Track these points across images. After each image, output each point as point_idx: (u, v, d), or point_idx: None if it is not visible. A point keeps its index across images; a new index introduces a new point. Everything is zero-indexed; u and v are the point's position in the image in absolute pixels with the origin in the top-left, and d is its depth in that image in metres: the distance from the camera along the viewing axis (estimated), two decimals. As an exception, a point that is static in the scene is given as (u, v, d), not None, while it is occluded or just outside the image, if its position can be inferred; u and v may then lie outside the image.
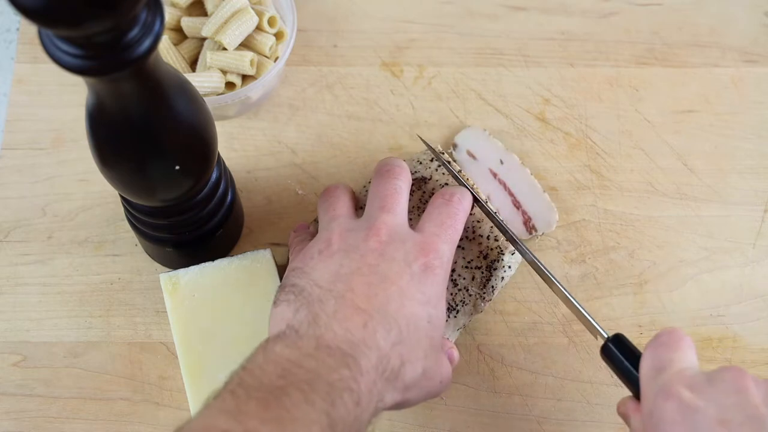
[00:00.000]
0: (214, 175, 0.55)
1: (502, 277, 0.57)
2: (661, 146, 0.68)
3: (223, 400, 0.39)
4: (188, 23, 0.66)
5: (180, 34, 0.67)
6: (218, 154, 0.56)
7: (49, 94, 0.67)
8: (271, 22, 0.66)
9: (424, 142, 0.62)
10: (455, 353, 0.52)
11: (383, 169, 0.54)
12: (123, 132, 0.44)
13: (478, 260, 0.56)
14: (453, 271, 0.56)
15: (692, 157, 0.67)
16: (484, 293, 0.56)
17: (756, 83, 0.70)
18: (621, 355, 0.48)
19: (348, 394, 0.40)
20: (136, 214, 0.56)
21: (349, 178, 0.65)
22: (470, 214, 0.57)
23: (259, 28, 0.66)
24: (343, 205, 0.53)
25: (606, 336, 0.50)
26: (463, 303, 0.56)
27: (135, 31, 0.36)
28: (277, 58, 0.66)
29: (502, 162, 0.64)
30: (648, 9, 0.73)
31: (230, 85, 0.65)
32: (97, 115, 0.44)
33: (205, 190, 0.54)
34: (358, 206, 0.57)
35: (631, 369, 0.48)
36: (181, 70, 0.63)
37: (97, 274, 0.62)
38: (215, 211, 0.57)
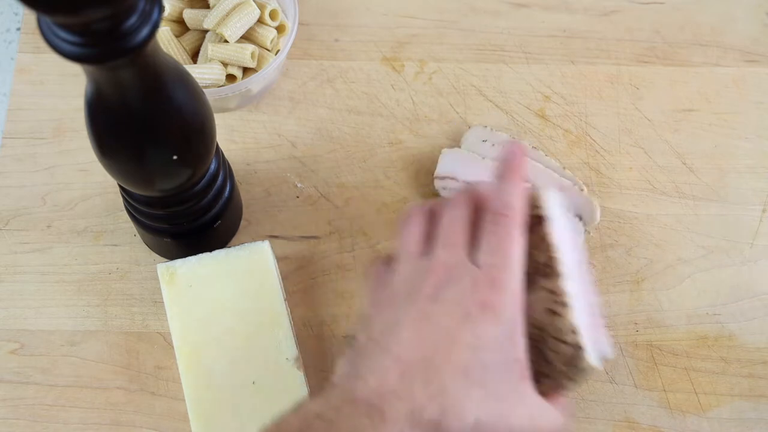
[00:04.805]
0: (212, 166, 0.55)
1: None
2: (661, 145, 0.68)
3: None
4: (190, 15, 0.66)
5: (182, 26, 0.67)
6: (217, 145, 0.56)
7: (51, 84, 0.68)
8: (273, 15, 0.66)
9: None
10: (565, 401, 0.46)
11: (450, 202, 0.48)
12: (121, 121, 0.44)
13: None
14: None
15: (691, 155, 0.67)
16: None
17: (757, 83, 0.70)
18: None
19: None
20: (135, 205, 0.56)
21: (348, 172, 0.65)
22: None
23: (260, 21, 0.66)
24: (412, 240, 0.47)
25: None
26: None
27: (133, 20, 0.37)
28: (278, 52, 0.66)
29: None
30: (650, 8, 0.73)
31: (231, 78, 0.65)
32: (96, 104, 0.44)
33: (204, 180, 0.54)
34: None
35: None
36: (182, 62, 0.63)
37: (96, 263, 0.62)
38: (213, 202, 0.57)
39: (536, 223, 0.46)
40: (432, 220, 0.48)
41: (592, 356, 0.45)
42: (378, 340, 0.43)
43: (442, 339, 0.42)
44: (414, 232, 0.47)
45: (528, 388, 0.43)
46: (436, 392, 0.41)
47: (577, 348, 0.45)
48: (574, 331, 0.45)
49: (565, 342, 0.46)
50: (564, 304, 0.46)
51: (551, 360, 0.46)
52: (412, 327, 0.43)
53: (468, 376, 0.41)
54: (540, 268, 0.46)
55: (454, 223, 0.46)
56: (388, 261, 0.49)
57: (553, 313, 0.46)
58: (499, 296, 0.42)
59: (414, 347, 0.42)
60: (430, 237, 0.47)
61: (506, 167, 0.46)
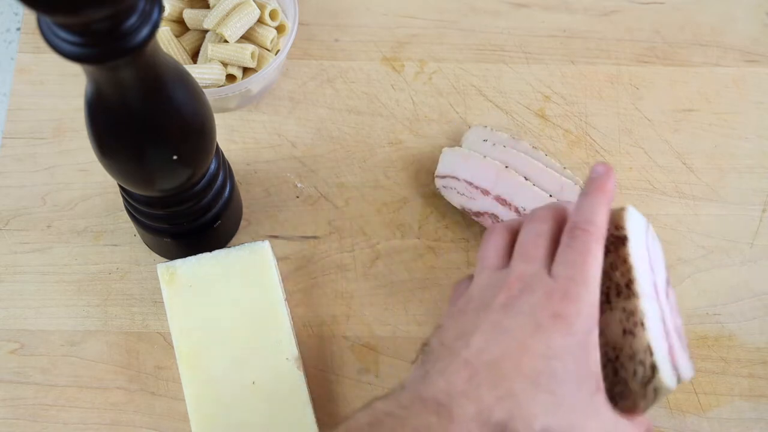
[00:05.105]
0: (212, 166, 0.55)
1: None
2: (661, 144, 0.68)
3: None
4: (190, 15, 0.66)
5: (182, 26, 0.67)
6: (217, 145, 0.56)
7: (51, 84, 0.68)
8: (273, 15, 0.66)
9: None
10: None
11: (530, 216, 0.48)
12: (121, 121, 0.44)
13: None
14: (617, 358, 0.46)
15: (691, 155, 0.67)
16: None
17: (757, 83, 0.70)
18: None
19: None
20: (135, 205, 0.56)
21: (348, 172, 0.65)
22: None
23: (260, 21, 0.66)
24: (492, 254, 0.48)
25: None
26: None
27: (133, 20, 0.37)
28: (278, 52, 0.66)
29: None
30: (650, 7, 0.73)
31: (231, 78, 0.65)
32: (96, 104, 0.44)
33: (204, 180, 0.54)
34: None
35: None
36: (182, 62, 0.63)
37: (96, 263, 0.62)
38: (213, 202, 0.57)
39: (618, 243, 0.46)
40: (514, 237, 0.48)
41: (667, 378, 0.45)
42: (449, 346, 0.44)
43: (513, 347, 0.42)
44: (494, 246, 0.48)
45: (603, 403, 0.43)
46: (504, 395, 0.41)
47: (653, 369, 0.45)
48: (650, 352, 0.45)
49: (641, 363, 0.46)
50: (640, 325, 0.46)
51: (626, 380, 0.46)
52: (484, 334, 0.43)
53: (537, 384, 0.41)
54: (619, 288, 0.46)
55: (533, 237, 0.46)
56: (472, 278, 0.49)
57: (630, 333, 0.46)
58: (572, 307, 0.42)
59: (484, 353, 0.42)
60: (510, 252, 0.47)
61: (592, 185, 0.46)
